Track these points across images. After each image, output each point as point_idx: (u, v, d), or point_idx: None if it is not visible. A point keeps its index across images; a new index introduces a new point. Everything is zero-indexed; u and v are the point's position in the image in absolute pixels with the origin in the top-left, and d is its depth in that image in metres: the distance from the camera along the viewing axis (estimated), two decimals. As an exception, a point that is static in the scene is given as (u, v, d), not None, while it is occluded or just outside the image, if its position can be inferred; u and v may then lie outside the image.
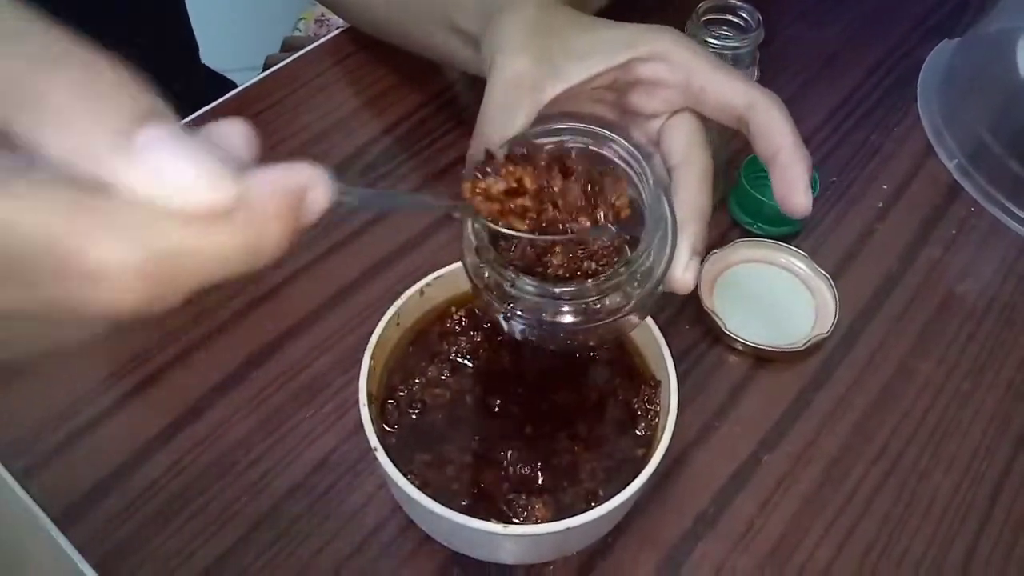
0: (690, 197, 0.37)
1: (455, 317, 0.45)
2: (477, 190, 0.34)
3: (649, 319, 0.42)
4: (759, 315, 0.53)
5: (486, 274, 0.36)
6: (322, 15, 1.61)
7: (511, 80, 0.39)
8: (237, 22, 1.23)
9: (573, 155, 0.37)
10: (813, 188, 0.56)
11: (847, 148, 0.63)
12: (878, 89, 0.67)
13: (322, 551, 0.44)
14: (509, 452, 0.41)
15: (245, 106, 0.62)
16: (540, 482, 0.40)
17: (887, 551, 0.45)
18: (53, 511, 0.44)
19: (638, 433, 0.42)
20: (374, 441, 0.38)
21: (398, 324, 0.43)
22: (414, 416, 0.42)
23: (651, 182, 0.36)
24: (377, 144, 0.61)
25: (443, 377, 0.43)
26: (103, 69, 0.20)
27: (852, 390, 0.51)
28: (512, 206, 0.34)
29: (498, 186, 0.34)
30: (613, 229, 0.36)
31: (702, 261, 0.53)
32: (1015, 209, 0.59)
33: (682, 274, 0.36)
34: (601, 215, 0.35)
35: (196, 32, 0.77)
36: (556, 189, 0.35)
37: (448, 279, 0.44)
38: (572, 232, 0.35)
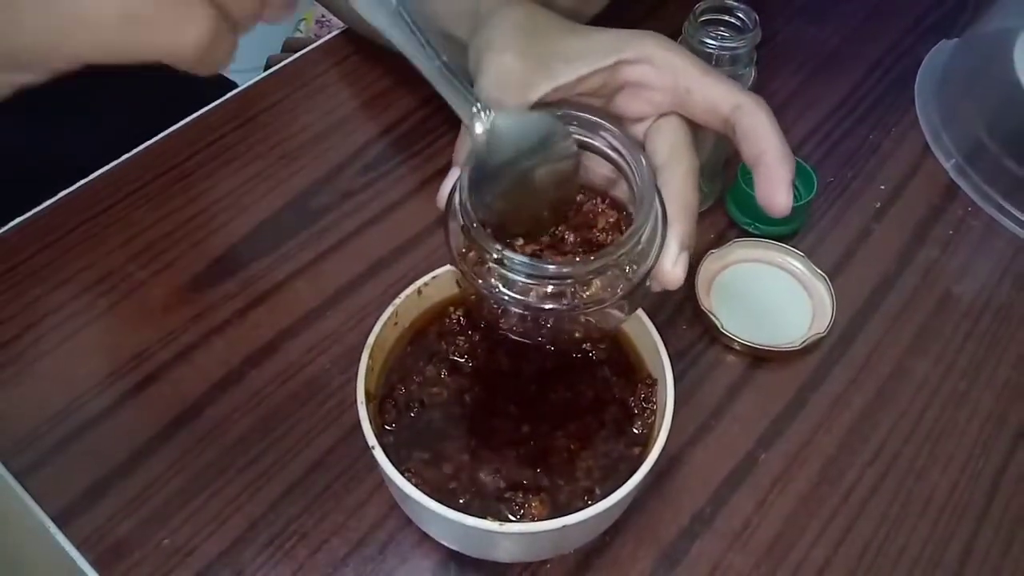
0: (677, 193, 0.37)
1: (453, 317, 0.45)
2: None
3: (646, 318, 0.42)
4: (756, 315, 0.53)
5: (470, 254, 0.36)
6: (323, 16, 1.61)
7: (500, 77, 0.39)
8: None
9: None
10: (810, 189, 0.56)
11: (844, 148, 0.63)
12: (876, 89, 0.67)
13: (320, 549, 0.44)
14: (506, 451, 0.41)
15: (246, 106, 0.63)
16: (537, 480, 0.40)
17: (884, 550, 0.45)
18: (52, 509, 0.44)
19: (635, 431, 0.42)
20: (372, 440, 0.38)
21: (396, 323, 0.43)
22: (412, 415, 0.42)
23: (643, 169, 0.36)
24: (376, 144, 0.61)
25: (441, 376, 0.43)
26: None
27: (849, 389, 0.51)
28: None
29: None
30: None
31: (698, 261, 0.54)
32: (1012, 209, 0.59)
33: (671, 267, 0.36)
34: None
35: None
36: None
37: (446, 279, 0.44)
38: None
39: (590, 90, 0.40)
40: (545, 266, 0.34)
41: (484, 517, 0.37)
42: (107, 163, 0.59)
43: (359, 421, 0.38)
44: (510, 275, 0.35)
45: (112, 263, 0.54)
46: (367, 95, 0.64)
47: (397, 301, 0.43)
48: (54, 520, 0.44)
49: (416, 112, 0.63)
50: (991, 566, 0.45)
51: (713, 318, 0.51)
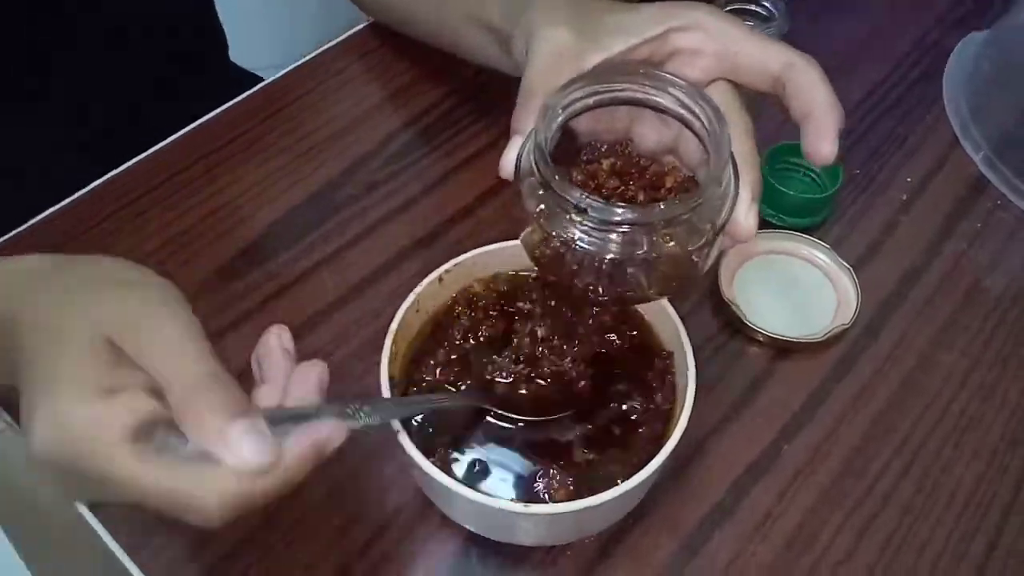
0: (740, 149, 0.38)
1: (475, 303, 0.45)
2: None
3: (670, 308, 0.42)
4: (780, 306, 0.53)
5: (541, 207, 0.36)
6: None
7: (554, 50, 0.41)
8: (271, 19, 1.25)
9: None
10: (836, 180, 0.56)
11: (872, 140, 0.63)
12: (904, 81, 0.67)
13: (343, 535, 0.44)
14: (528, 435, 0.42)
15: (270, 101, 0.63)
16: (561, 463, 0.41)
17: (907, 542, 0.45)
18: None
19: (656, 419, 0.42)
20: (396, 424, 0.38)
21: (418, 311, 0.44)
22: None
23: (716, 119, 0.36)
24: (400, 136, 0.62)
25: (464, 362, 0.44)
26: None
27: (874, 381, 0.51)
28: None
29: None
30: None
31: (722, 252, 0.53)
32: (1042, 202, 0.58)
33: (744, 218, 0.37)
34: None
35: (227, 32, 0.78)
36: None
37: (466, 267, 0.45)
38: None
39: (638, 60, 0.41)
40: (628, 212, 0.34)
41: (507, 499, 0.37)
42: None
43: (382, 407, 0.39)
44: (591, 225, 0.35)
45: (138, 255, 0.55)
46: (391, 88, 0.65)
47: (418, 288, 0.43)
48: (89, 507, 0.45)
49: (440, 105, 0.63)
50: (1017, 560, 0.44)
51: (737, 309, 0.51)
